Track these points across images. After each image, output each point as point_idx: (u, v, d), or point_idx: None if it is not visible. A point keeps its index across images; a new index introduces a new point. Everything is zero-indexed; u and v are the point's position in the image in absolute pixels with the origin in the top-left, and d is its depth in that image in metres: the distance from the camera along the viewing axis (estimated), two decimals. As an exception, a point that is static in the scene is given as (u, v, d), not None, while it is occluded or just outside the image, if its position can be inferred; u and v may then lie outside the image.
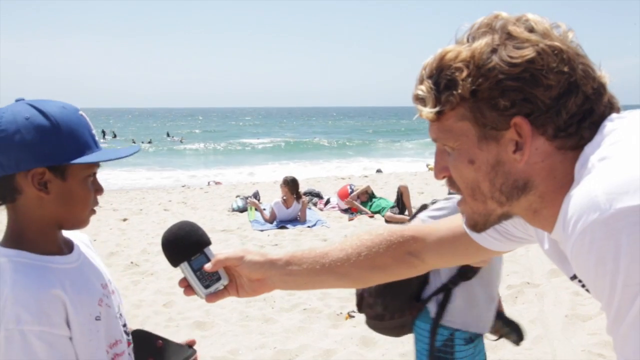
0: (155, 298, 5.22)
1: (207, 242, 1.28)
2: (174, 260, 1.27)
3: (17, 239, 1.21)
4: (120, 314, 1.37)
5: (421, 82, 0.95)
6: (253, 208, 9.32)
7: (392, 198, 9.61)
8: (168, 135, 49.14)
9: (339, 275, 1.31)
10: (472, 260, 1.35)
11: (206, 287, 1.26)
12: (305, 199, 9.15)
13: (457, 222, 1.27)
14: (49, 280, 1.18)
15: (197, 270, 1.25)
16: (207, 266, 1.25)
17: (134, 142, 37.19)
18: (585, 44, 0.96)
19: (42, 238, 1.23)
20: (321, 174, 18.96)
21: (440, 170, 1.01)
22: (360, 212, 9.46)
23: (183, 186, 15.44)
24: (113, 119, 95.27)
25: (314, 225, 8.61)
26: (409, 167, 21.82)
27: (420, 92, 0.95)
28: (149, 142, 42.00)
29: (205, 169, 22.92)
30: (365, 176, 16.31)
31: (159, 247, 7.90)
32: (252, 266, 1.27)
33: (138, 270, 6.24)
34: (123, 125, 63.48)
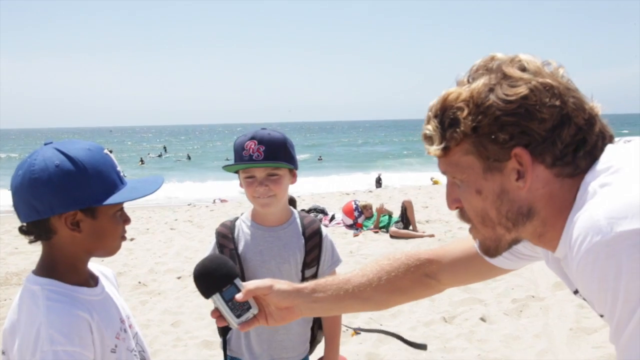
0: (163, 318, 5.27)
1: (237, 274, 1.35)
2: (207, 292, 1.33)
3: (49, 269, 1.30)
4: (140, 350, 1.44)
5: (428, 122, 1.05)
6: None
7: (396, 213, 9.65)
8: (165, 150, 50.77)
9: (362, 299, 1.39)
10: (485, 279, 1.45)
11: (238, 316, 1.31)
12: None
13: (470, 242, 1.35)
14: (77, 306, 1.27)
15: (229, 301, 1.30)
16: (238, 296, 1.30)
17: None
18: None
19: (72, 270, 1.32)
20: (329, 189, 19.01)
21: (452, 201, 1.10)
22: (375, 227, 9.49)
23: (189, 204, 15.52)
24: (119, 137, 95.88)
25: (320, 241, 8.63)
26: (413, 180, 21.84)
27: (427, 131, 1.05)
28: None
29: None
30: (370, 191, 16.35)
31: (166, 267, 7.93)
32: (280, 295, 1.33)
33: (145, 290, 6.29)
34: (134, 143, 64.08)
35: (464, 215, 1.10)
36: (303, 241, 2.11)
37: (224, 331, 2.13)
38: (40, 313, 1.21)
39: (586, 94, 1.03)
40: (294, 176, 2.09)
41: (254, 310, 1.32)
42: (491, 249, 1.11)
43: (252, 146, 1.97)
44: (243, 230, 2.14)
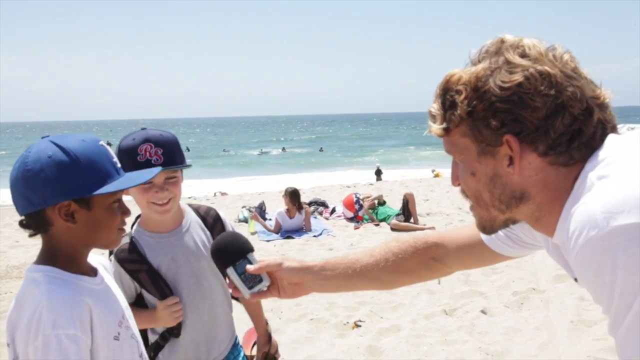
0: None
1: (250, 249, 1.45)
2: (221, 266, 1.44)
3: (50, 258, 1.31)
4: (137, 339, 1.46)
5: (434, 100, 1.08)
6: (253, 221, 9.37)
7: (397, 206, 9.65)
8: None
9: (369, 279, 1.45)
10: (489, 264, 1.48)
11: (250, 288, 1.42)
12: (308, 208, 9.20)
13: (475, 229, 1.37)
14: (79, 292, 1.28)
15: (242, 274, 1.42)
16: (249, 268, 1.41)
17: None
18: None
19: (72, 261, 1.33)
20: (330, 182, 19.01)
21: (455, 178, 1.14)
22: (371, 220, 9.50)
23: (189, 197, 15.52)
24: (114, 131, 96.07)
25: (320, 234, 8.66)
26: (414, 173, 21.83)
27: (432, 110, 1.08)
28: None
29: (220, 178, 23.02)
30: (371, 184, 16.35)
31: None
32: (289, 272, 1.42)
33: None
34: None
35: (464, 192, 1.14)
36: (209, 232, 2.08)
37: (154, 350, 2.02)
38: (42, 296, 1.21)
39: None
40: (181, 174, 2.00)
41: (266, 283, 1.42)
42: (487, 227, 1.15)
43: (149, 149, 1.83)
44: (147, 244, 1.99)
